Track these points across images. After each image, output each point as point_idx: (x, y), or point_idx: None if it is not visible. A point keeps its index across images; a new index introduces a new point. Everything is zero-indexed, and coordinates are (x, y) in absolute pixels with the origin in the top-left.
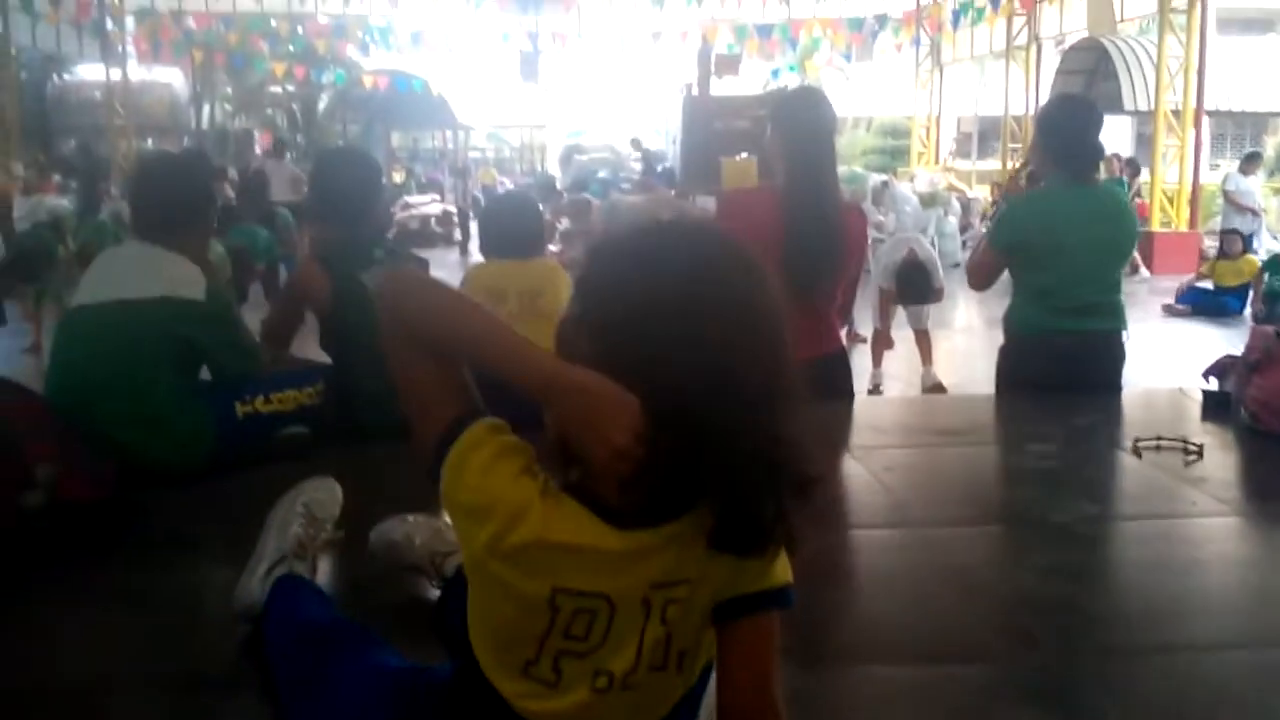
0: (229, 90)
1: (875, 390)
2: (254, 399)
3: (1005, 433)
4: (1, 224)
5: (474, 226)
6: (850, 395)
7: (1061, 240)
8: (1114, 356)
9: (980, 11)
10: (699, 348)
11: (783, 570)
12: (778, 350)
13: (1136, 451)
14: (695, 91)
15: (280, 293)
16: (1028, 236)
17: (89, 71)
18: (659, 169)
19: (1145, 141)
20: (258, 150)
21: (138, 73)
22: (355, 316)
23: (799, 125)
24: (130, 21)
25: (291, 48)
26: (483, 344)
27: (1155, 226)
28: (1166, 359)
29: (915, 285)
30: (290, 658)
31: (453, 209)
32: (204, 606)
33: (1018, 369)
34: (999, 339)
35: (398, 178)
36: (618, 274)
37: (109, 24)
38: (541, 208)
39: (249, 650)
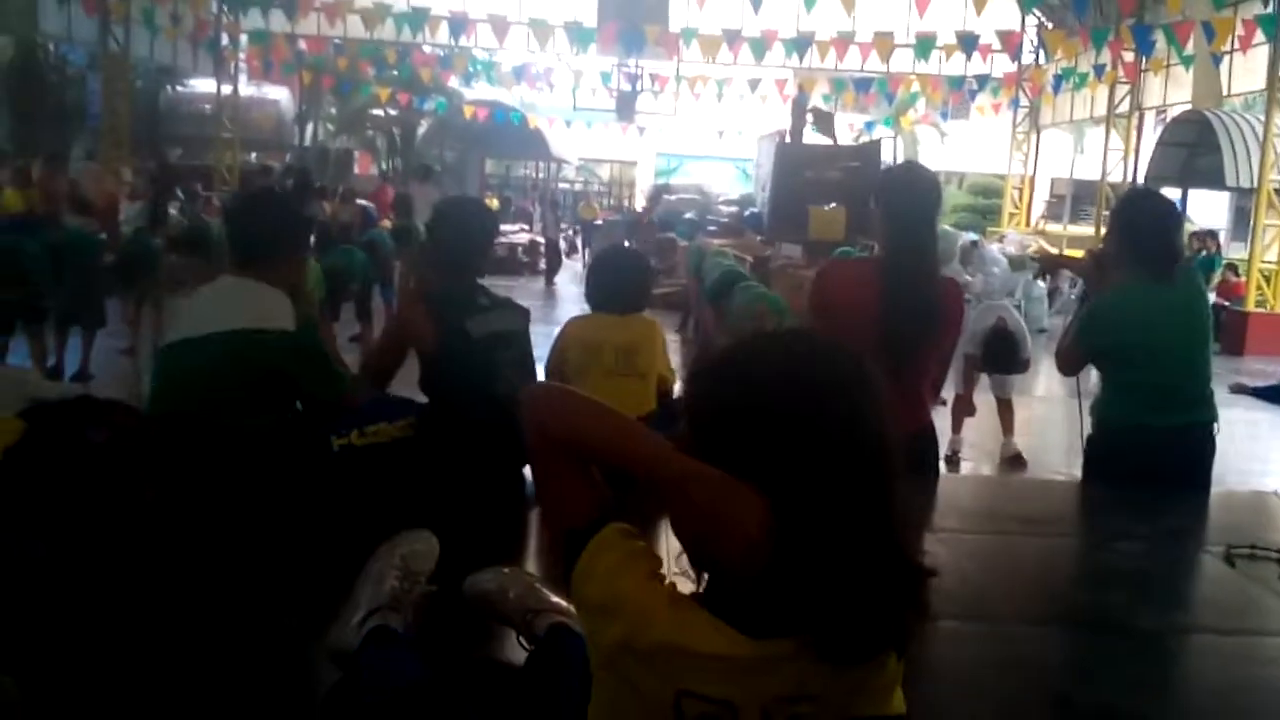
0: (333, 111)
1: (953, 457)
2: (349, 432)
3: (1091, 527)
4: (109, 228)
5: (567, 259)
6: (935, 471)
7: (1148, 339)
8: (1204, 452)
9: (1083, 78)
10: (817, 452)
11: (899, 701)
12: (890, 451)
13: (1229, 559)
14: (788, 139)
15: (385, 329)
16: (1115, 338)
17: (200, 85)
18: (746, 213)
19: (1243, 217)
20: (355, 170)
21: (247, 89)
22: (456, 361)
23: (903, 201)
24: (244, 40)
25: (397, 74)
26: (617, 445)
27: (1251, 306)
28: (1252, 451)
29: (1003, 355)
30: (377, 713)
31: (540, 239)
32: (296, 648)
33: (1107, 462)
34: (1078, 407)
35: (492, 204)
36: (731, 387)
37: (224, 41)
38: (627, 245)
39: (335, 696)
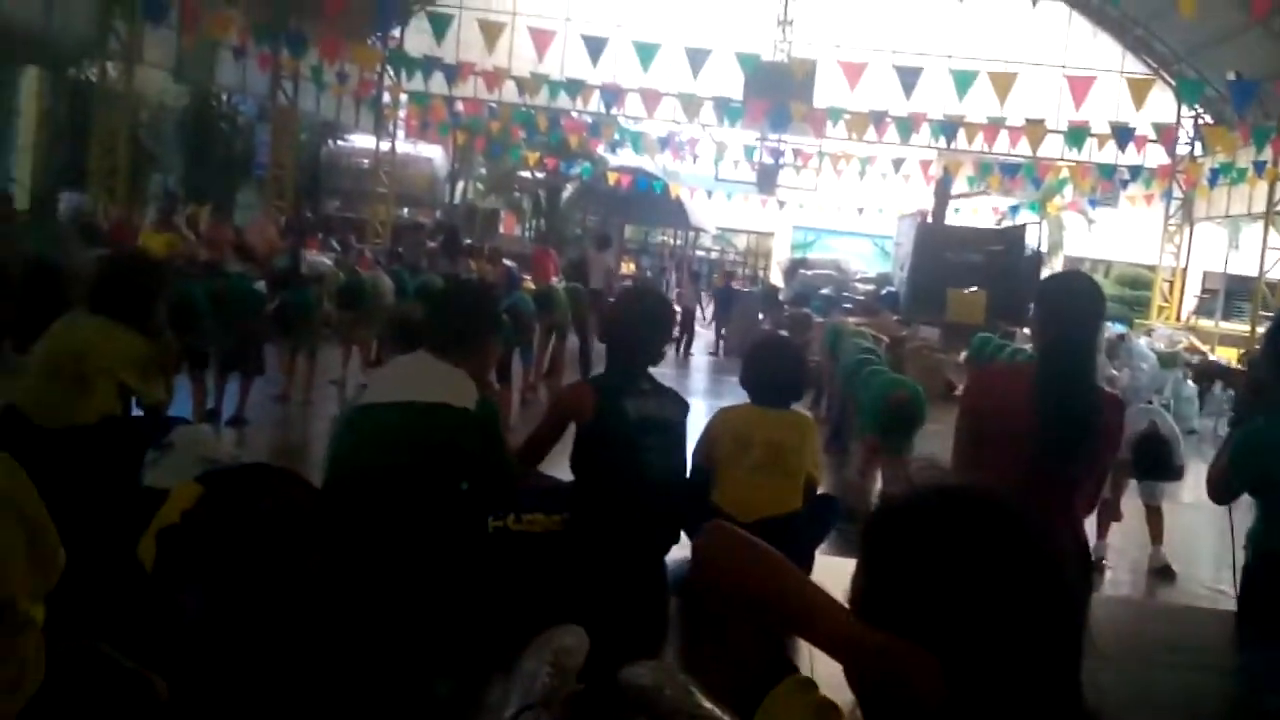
0: (483, 171)
1: (1097, 564)
2: (506, 516)
3: (1247, 663)
4: (268, 276)
5: (700, 328)
6: (1088, 589)
7: None
8: None
9: (1241, 173)
10: (997, 614)
11: None
12: (1076, 609)
13: None
14: (929, 219)
15: (549, 407)
16: (1267, 470)
17: (360, 141)
18: (883, 292)
19: None
20: (500, 229)
21: (404, 146)
22: (610, 439)
23: (1062, 308)
24: (404, 100)
25: (547, 139)
26: (790, 603)
27: None
28: None
29: (1155, 461)
30: None
31: (676, 308)
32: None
33: (1264, 592)
34: (1228, 518)
35: (628, 269)
36: (913, 547)
37: (385, 100)
38: (761, 317)
39: None
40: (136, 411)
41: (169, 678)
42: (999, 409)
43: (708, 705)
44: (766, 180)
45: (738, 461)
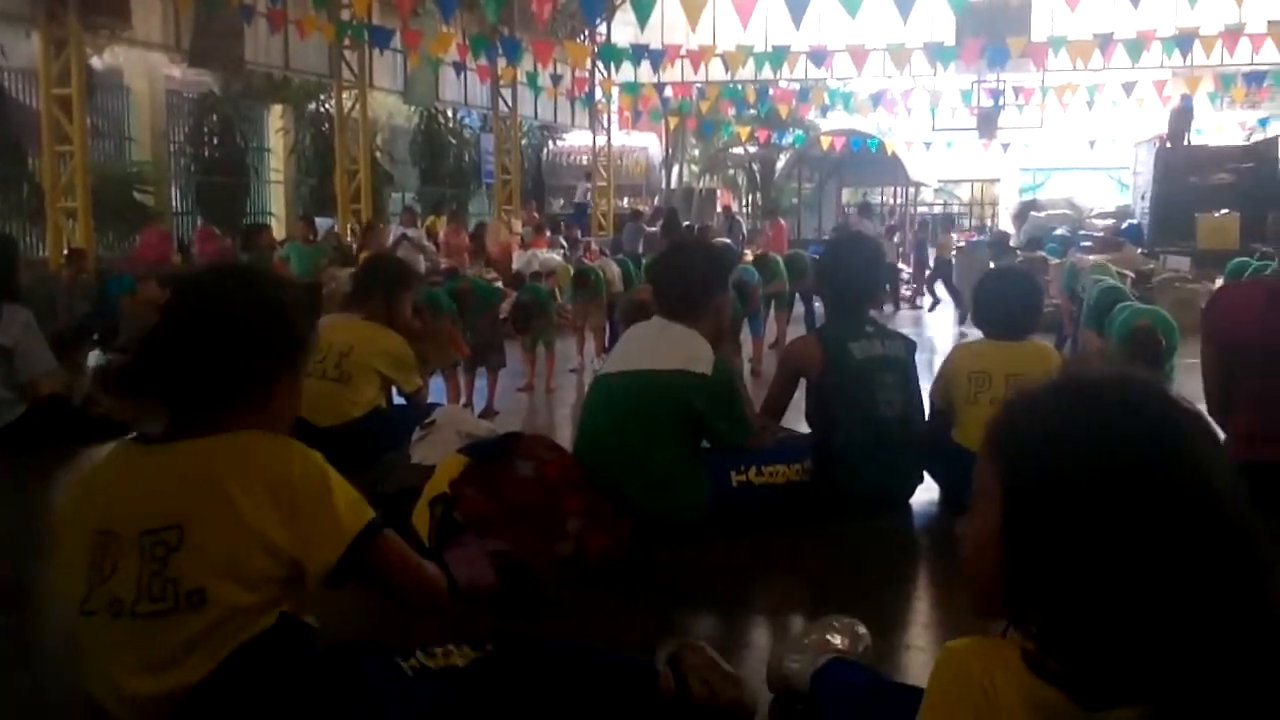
0: (696, 152)
1: None
2: (748, 469)
3: None
4: (505, 275)
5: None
6: None
7: None
8: None
9: None
10: (1174, 513)
11: None
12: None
13: None
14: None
15: (779, 365)
16: None
17: (577, 138)
18: (1123, 225)
19: None
20: (718, 208)
21: (619, 138)
22: (842, 384)
23: None
24: (616, 92)
25: (756, 112)
26: None
27: None
28: None
29: None
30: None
31: (903, 266)
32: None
33: None
34: None
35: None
36: (1068, 446)
37: (598, 95)
38: (992, 265)
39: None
40: (399, 401)
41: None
42: (1228, 325)
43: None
44: (987, 124)
45: (977, 398)
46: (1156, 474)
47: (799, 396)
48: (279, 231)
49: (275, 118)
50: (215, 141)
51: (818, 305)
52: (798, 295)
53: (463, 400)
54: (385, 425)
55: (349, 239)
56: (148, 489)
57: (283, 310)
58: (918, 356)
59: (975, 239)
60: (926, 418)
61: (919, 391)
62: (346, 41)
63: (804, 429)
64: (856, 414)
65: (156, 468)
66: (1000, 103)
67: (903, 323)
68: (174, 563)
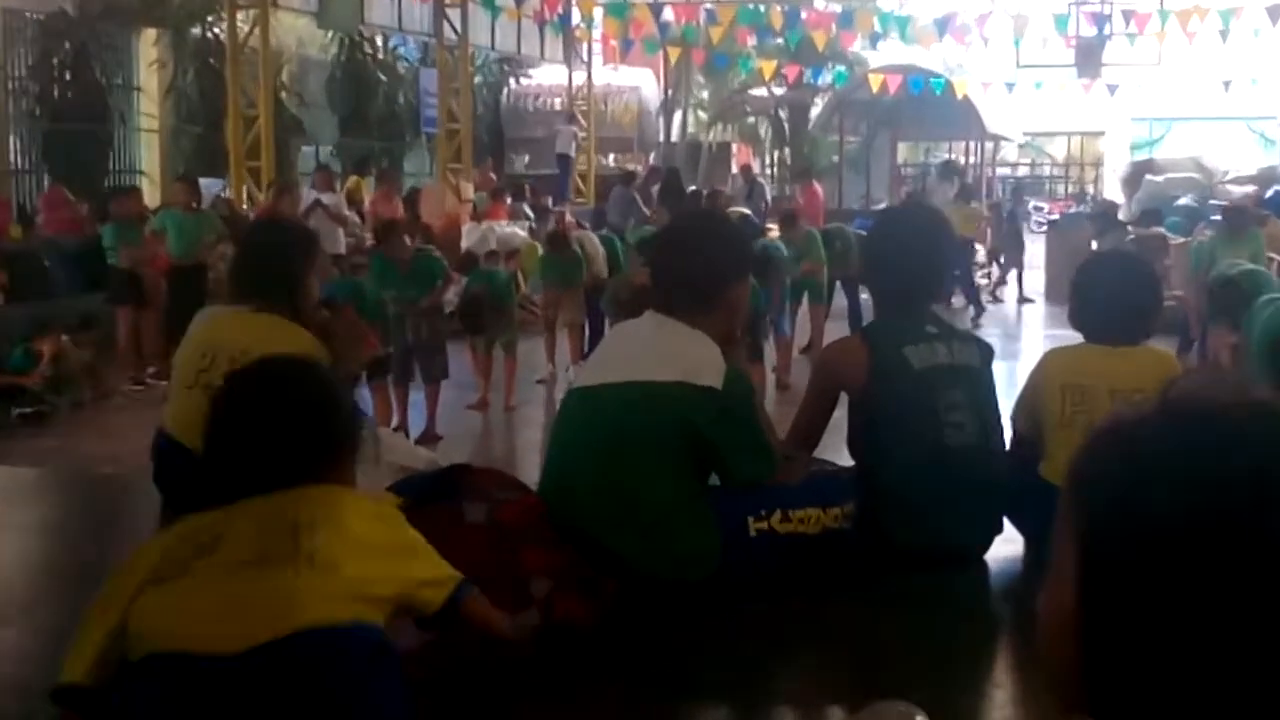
0: (705, 95)
1: None
2: (770, 514)
3: None
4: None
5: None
6: None
7: None
8: None
9: None
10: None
11: None
12: None
13: None
14: None
15: (811, 377)
16: None
17: (548, 75)
18: (1268, 193)
19: None
20: (733, 168)
21: (602, 75)
22: (896, 402)
23: None
24: (599, 14)
25: (783, 41)
26: None
27: None
28: None
29: None
30: None
31: (978, 246)
32: None
33: None
34: None
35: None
36: (1171, 492)
37: (575, 18)
38: (1094, 245)
39: None
40: None
41: None
42: None
43: None
44: (1088, 59)
45: (1072, 421)
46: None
47: (838, 417)
48: (151, 197)
49: (147, 46)
50: (68, 77)
51: (864, 297)
52: (838, 284)
53: (394, 421)
54: None
55: (244, 207)
56: None
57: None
58: (995, 365)
59: (1072, 210)
60: (1007, 447)
61: (997, 412)
62: None
63: (845, 460)
64: (915, 441)
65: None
66: (1106, 31)
67: (977, 321)
68: None
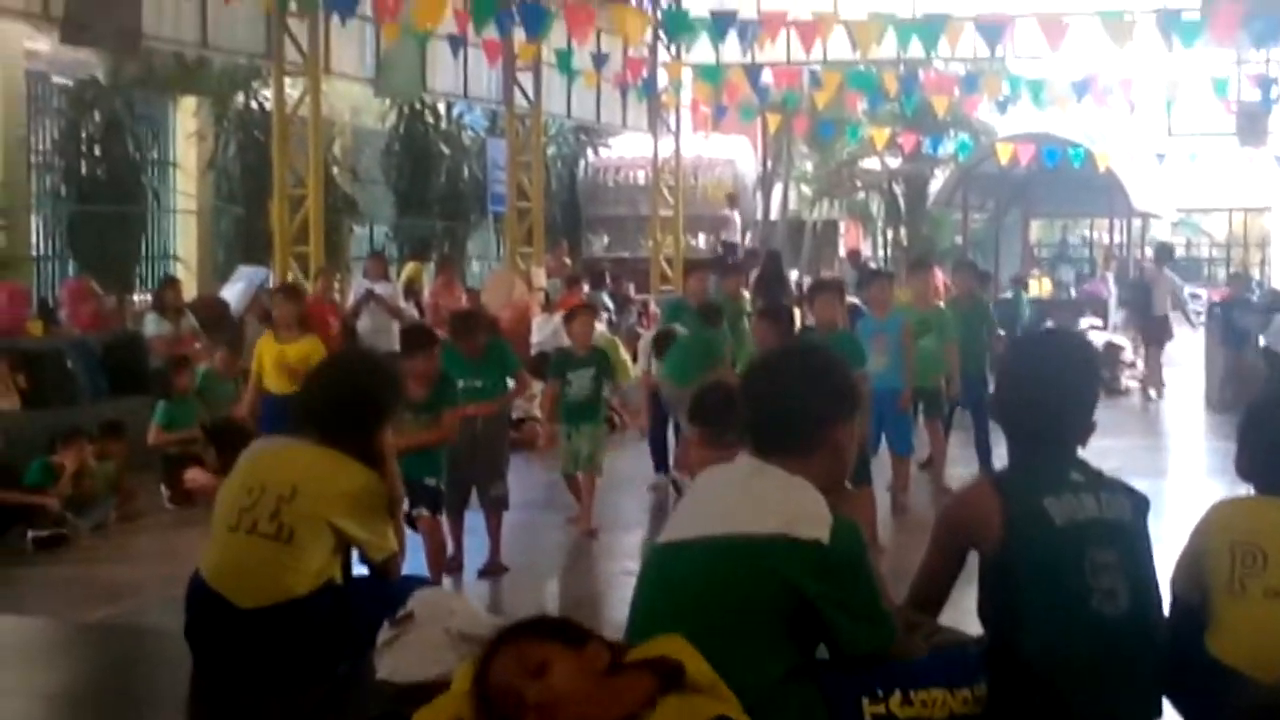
0: (809, 167)
1: None
2: (888, 696)
3: None
4: (520, 353)
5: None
6: None
7: None
8: None
9: None
10: None
11: None
12: None
13: None
14: None
15: (935, 529)
16: None
17: (630, 145)
18: None
19: None
20: (841, 251)
21: (692, 145)
22: (1035, 563)
23: None
24: (688, 79)
25: (899, 107)
26: None
27: None
28: None
29: None
30: None
31: (1122, 342)
32: None
33: None
34: None
35: (1042, 288)
36: None
37: (661, 82)
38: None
39: None
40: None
41: None
42: None
43: None
44: (1253, 126)
45: (1244, 587)
46: None
47: (968, 574)
48: (188, 286)
49: (185, 116)
50: (97, 152)
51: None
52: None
53: (449, 551)
54: (341, 613)
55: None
56: None
57: None
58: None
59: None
60: (1167, 616)
61: (1155, 575)
62: (291, 7)
63: (974, 629)
64: (1058, 611)
65: None
66: (1273, 96)
67: (1127, 424)
68: None
